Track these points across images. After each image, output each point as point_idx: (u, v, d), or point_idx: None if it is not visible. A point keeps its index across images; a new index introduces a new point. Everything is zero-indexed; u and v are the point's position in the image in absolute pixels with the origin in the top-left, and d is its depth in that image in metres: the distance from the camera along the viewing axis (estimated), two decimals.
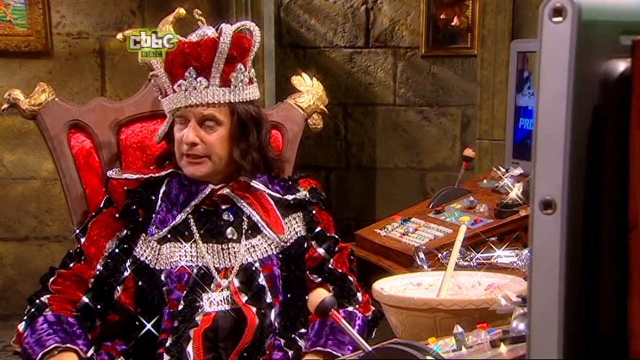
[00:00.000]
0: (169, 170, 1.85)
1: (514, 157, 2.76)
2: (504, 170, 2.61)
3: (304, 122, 2.22)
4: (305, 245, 1.87)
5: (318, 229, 1.90)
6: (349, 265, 1.92)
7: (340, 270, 1.89)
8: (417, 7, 4.59)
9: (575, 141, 0.70)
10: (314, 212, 1.90)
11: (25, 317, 1.75)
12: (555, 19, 0.69)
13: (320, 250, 1.88)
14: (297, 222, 1.88)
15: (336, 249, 1.91)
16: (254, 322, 1.75)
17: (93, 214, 1.84)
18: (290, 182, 1.92)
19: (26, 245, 4.37)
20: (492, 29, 3.54)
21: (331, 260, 1.89)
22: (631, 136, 0.70)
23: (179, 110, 1.77)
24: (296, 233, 1.87)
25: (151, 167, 1.92)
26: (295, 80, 2.25)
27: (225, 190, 1.82)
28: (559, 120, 0.70)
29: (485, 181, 2.69)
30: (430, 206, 2.58)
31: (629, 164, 0.70)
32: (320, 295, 1.43)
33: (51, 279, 1.78)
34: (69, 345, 1.67)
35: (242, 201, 1.84)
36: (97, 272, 1.76)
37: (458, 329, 1.23)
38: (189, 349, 1.72)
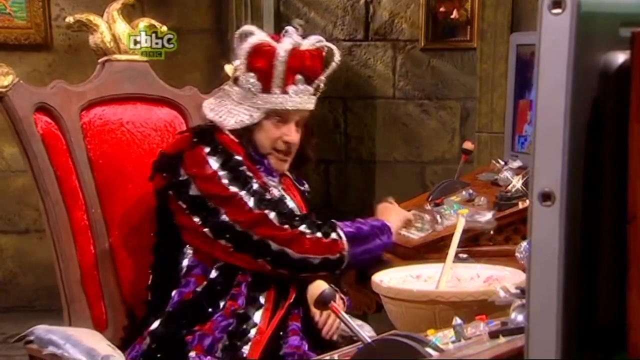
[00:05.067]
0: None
1: None
2: (503, 162, 2.61)
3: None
4: None
5: None
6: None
7: None
8: (416, 0, 4.58)
9: (575, 133, 0.70)
10: None
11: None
12: (555, 11, 0.69)
13: None
14: None
15: None
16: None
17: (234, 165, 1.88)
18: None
19: (26, 238, 4.37)
20: (492, 22, 3.53)
21: None
22: (630, 128, 0.70)
23: (285, 110, 1.89)
24: None
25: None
26: None
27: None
28: (558, 112, 0.70)
29: (484, 174, 2.69)
30: (430, 199, 2.58)
31: (628, 156, 0.70)
32: (319, 287, 1.43)
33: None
34: None
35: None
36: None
37: (457, 320, 1.23)
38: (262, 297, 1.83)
